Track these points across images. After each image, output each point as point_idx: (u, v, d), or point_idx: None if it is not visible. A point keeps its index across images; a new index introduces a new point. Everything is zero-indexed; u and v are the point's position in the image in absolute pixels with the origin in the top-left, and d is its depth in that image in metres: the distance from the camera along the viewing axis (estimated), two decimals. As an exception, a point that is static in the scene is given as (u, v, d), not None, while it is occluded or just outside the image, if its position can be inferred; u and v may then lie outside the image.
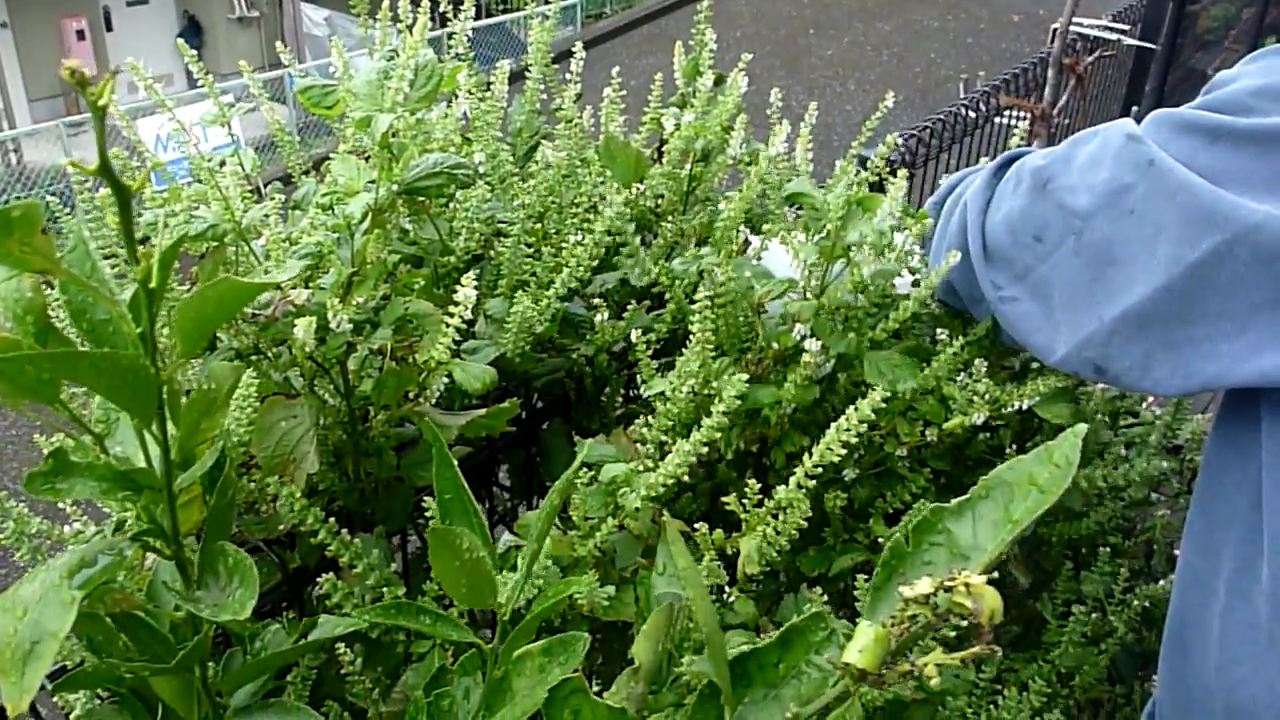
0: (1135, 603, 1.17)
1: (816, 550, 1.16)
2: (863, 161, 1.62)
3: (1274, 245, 0.71)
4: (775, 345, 1.13)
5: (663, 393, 1.07)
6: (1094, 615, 1.19)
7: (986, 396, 1.09)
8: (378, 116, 0.93)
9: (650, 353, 1.12)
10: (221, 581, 0.65)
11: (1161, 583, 1.21)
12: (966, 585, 0.46)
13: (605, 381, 1.35)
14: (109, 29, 13.94)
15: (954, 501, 0.52)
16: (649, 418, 1.08)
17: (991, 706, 1.10)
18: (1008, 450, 1.19)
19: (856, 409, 0.75)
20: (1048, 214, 0.89)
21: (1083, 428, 0.49)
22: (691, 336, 1.01)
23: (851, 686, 0.50)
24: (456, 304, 0.96)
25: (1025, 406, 1.10)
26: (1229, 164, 0.75)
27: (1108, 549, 1.23)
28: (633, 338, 1.12)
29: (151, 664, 0.70)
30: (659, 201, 1.47)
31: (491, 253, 1.30)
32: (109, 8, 13.90)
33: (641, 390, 1.12)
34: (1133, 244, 0.81)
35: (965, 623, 0.49)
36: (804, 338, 1.07)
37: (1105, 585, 1.21)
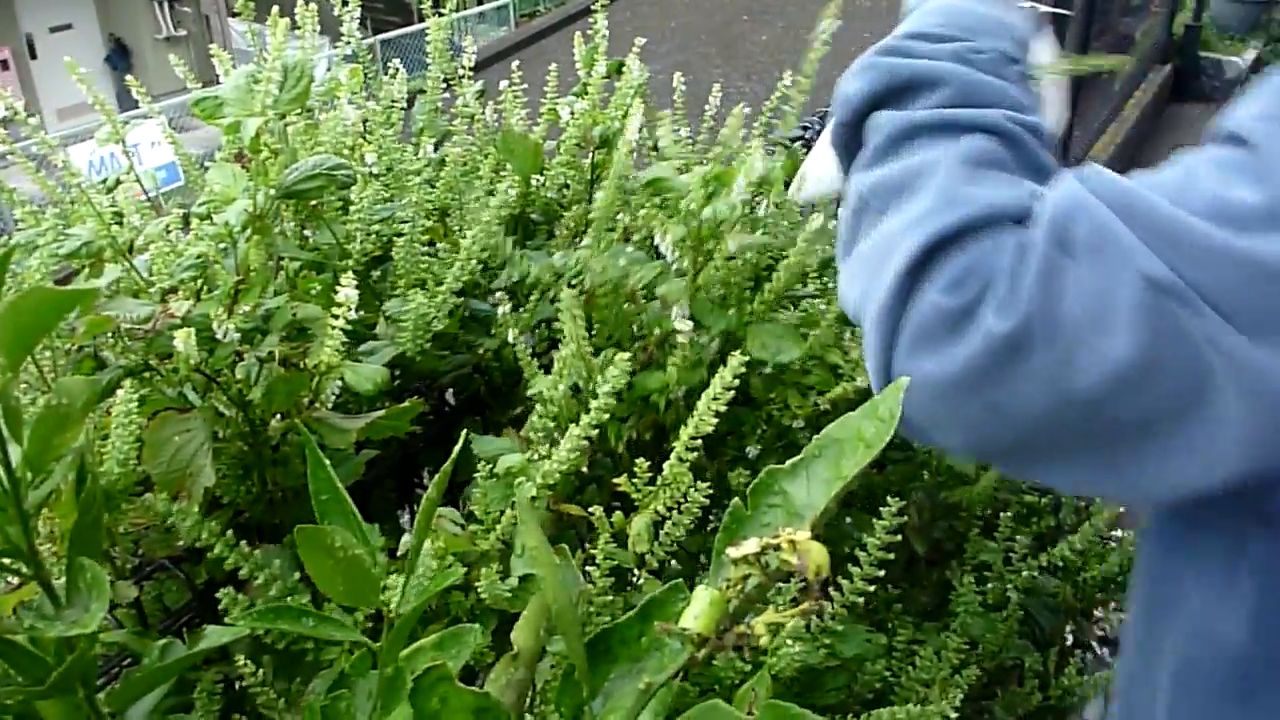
0: (1026, 572, 1.18)
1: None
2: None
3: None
4: (657, 330, 1.13)
5: (541, 391, 1.07)
6: (990, 585, 1.19)
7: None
8: (246, 120, 0.92)
9: (550, 345, 1.12)
10: (84, 598, 0.64)
11: (1072, 538, 1.22)
12: (792, 542, 0.46)
13: (517, 376, 1.34)
14: (33, 56, 13.70)
15: (789, 462, 0.52)
16: (539, 411, 1.08)
17: (910, 668, 1.11)
18: None
19: (720, 378, 0.75)
20: (1031, 392, 0.59)
21: (904, 380, 0.50)
22: (564, 331, 1.01)
23: (693, 652, 0.50)
24: (339, 305, 0.95)
25: None
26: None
27: (1009, 514, 1.23)
28: (510, 338, 1.12)
29: (28, 688, 0.69)
30: (563, 193, 1.46)
31: (393, 253, 1.29)
32: (31, 35, 13.66)
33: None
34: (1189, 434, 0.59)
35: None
36: (678, 318, 1.07)
37: (1005, 553, 1.21)
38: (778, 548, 0.46)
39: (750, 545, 0.46)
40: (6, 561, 0.63)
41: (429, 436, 1.30)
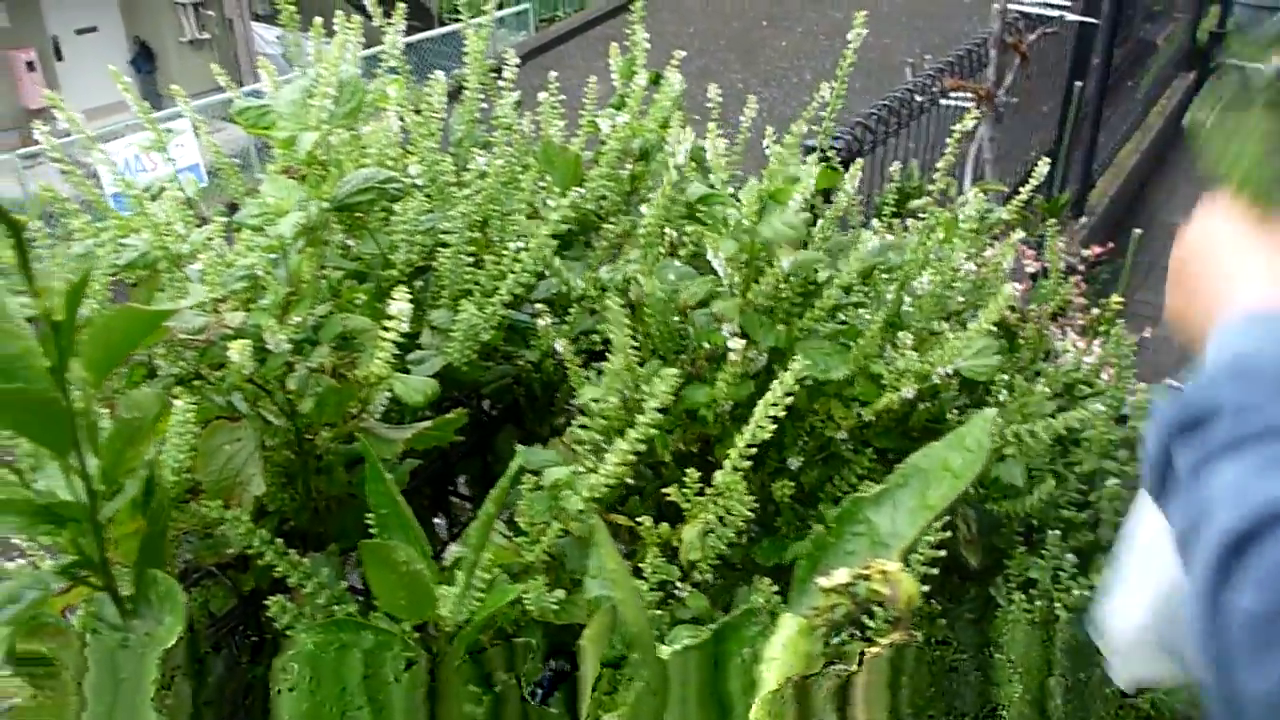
0: (1077, 591, 1.16)
1: (770, 540, 1.17)
2: (808, 150, 1.62)
3: None
4: (707, 345, 1.13)
5: (594, 399, 1.07)
6: (1039, 604, 1.17)
7: (909, 371, 1.10)
8: (301, 135, 0.93)
9: (588, 357, 1.13)
10: (154, 609, 0.65)
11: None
12: (883, 573, 0.46)
13: (555, 386, 1.35)
14: (59, 58, 13.77)
15: (873, 491, 0.53)
16: (584, 421, 1.08)
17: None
18: (948, 416, 1.20)
19: (781, 383, 0.75)
20: None
21: (991, 412, 0.50)
22: (611, 343, 1.01)
23: (776, 678, 0.50)
24: (392, 317, 0.96)
25: (952, 370, 1.11)
26: None
27: (1058, 531, 1.21)
28: (558, 348, 1.12)
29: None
30: (601, 204, 1.46)
31: (435, 264, 1.29)
32: (58, 37, 13.73)
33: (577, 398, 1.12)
34: None
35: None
36: (731, 335, 1.07)
37: (1053, 570, 1.19)
38: (868, 578, 0.46)
39: (841, 575, 0.46)
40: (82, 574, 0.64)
41: (465, 445, 1.31)
